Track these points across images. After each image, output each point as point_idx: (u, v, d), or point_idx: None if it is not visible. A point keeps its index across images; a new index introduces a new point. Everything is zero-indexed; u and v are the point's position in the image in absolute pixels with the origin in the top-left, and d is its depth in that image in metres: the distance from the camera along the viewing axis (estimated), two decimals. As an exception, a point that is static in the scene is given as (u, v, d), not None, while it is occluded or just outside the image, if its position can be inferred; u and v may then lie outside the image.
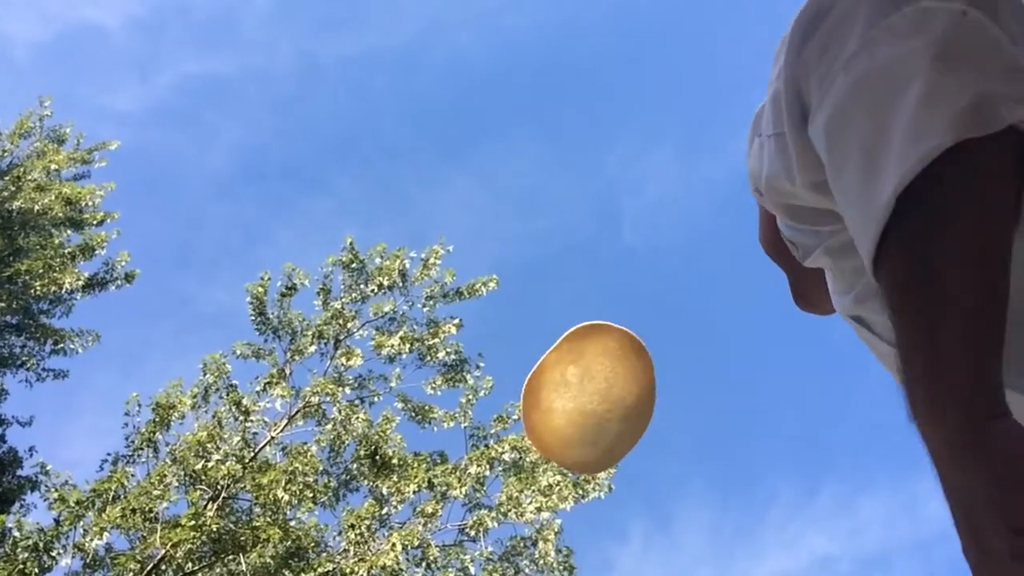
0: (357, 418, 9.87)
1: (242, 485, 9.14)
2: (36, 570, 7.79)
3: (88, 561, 8.20)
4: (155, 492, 8.39)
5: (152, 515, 8.20)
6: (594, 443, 1.37)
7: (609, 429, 1.37)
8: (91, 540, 7.97)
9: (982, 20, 0.60)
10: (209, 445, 9.15)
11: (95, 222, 11.65)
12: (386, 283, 11.11)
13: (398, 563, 8.50)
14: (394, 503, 9.50)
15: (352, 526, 8.89)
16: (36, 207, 11.15)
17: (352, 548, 8.72)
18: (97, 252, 11.18)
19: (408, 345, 10.67)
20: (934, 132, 0.56)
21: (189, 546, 7.90)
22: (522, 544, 9.69)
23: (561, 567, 9.54)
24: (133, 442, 9.32)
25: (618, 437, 1.37)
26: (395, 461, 9.65)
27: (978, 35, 0.60)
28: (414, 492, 9.41)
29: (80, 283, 10.74)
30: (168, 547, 7.83)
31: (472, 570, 9.24)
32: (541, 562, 9.50)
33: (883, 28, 0.61)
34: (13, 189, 11.36)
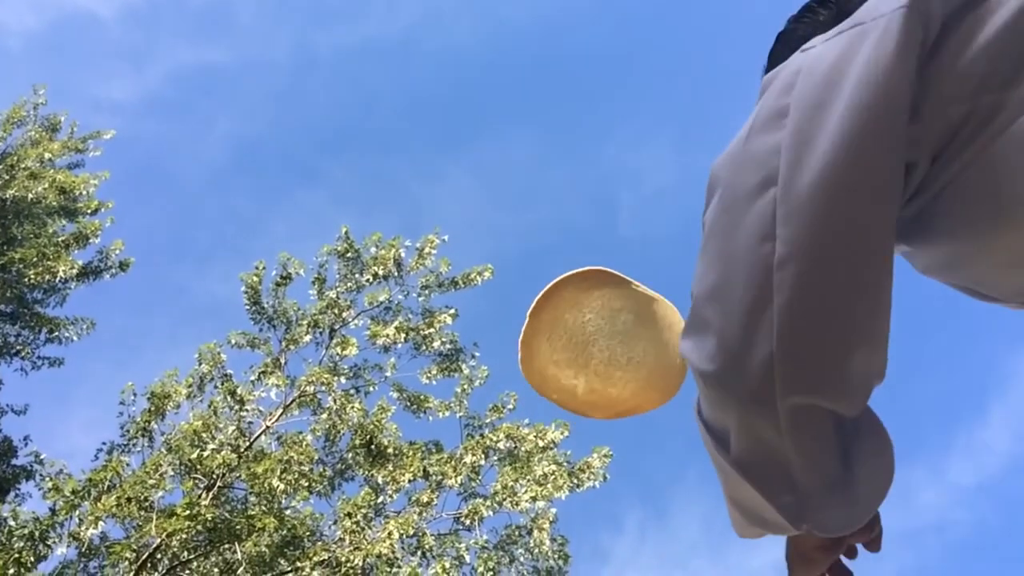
0: (352, 407, 9.87)
1: (237, 474, 9.14)
2: (32, 559, 7.79)
3: (83, 550, 8.21)
4: (150, 481, 8.38)
5: (147, 504, 8.19)
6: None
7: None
8: (86, 529, 7.97)
9: (777, 444, 0.67)
10: (204, 434, 9.14)
11: (89, 211, 11.59)
12: (381, 272, 11.08)
13: (394, 552, 8.51)
14: (389, 492, 9.51)
15: (348, 515, 8.89)
16: (30, 195, 11.09)
17: (348, 537, 8.73)
18: (91, 241, 11.13)
19: (403, 335, 10.66)
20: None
21: (184, 535, 7.89)
22: (517, 533, 9.71)
23: (556, 556, 9.57)
24: (128, 431, 9.30)
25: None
26: (390, 450, 9.65)
27: (765, 457, 0.69)
28: (409, 481, 9.42)
29: (74, 271, 10.68)
30: (163, 536, 7.83)
31: (467, 559, 9.26)
32: (536, 551, 9.52)
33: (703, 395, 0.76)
34: (7, 177, 11.29)
